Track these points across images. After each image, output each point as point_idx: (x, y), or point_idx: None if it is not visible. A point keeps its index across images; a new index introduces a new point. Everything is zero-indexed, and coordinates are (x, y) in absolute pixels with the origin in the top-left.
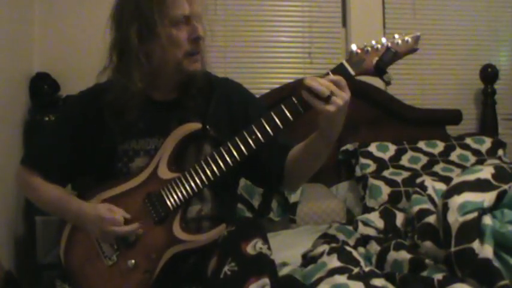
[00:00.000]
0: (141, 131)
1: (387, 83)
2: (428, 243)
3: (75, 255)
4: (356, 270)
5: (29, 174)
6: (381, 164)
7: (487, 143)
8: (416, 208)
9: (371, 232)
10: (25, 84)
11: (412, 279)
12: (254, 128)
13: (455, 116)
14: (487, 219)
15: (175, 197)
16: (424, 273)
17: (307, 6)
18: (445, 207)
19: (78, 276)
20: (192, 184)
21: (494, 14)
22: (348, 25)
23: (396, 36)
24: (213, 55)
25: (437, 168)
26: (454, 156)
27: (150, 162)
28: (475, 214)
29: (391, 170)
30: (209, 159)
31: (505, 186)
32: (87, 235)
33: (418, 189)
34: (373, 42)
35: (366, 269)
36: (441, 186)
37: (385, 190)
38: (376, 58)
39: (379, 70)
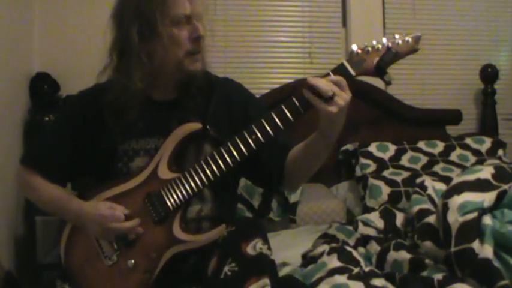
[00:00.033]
0: (141, 131)
1: (388, 83)
2: (428, 243)
3: (75, 255)
4: (356, 270)
5: (29, 174)
6: (381, 164)
7: (487, 143)
8: (416, 208)
9: (371, 232)
10: (25, 84)
11: (412, 279)
12: (254, 128)
13: (455, 116)
14: (487, 219)
15: (175, 197)
16: (424, 273)
17: (307, 6)
18: (445, 207)
19: (78, 276)
20: (192, 184)
21: (494, 14)
22: (348, 25)
23: (397, 36)
24: (213, 55)
25: (437, 168)
26: (454, 156)
27: (150, 162)
28: (475, 214)
29: (391, 170)
30: (209, 159)
31: (505, 186)
32: (87, 235)
33: (418, 189)
34: (374, 42)
35: (366, 269)
36: (441, 186)
37: (385, 190)
38: (377, 58)
39: (380, 70)
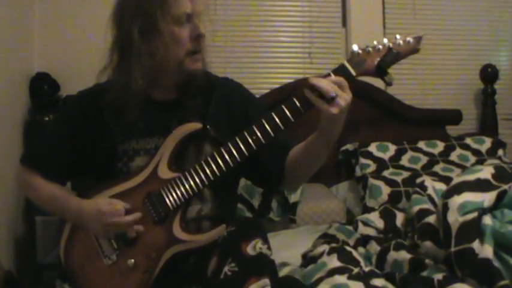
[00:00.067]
0: (141, 130)
1: (389, 84)
2: (428, 243)
3: (75, 254)
4: (356, 270)
5: (28, 174)
6: (381, 164)
7: (487, 143)
8: (416, 208)
9: (371, 232)
10: (25, 84)
11: (412, 279)
12: (255, 128)
13: (455, 116)
14: (487, 219)
15: (175, 196)
16: (424, 273)
17: (307, 6)
18: (445, 207)
19: (78, 276)
20: (192, 184)
21: (494, 14)
22: (348, 25)
23: (398, 36)
24: (213, 55)
25: (437, 168)
26: (454, 156)
27: (150, 161)
28: (475, 214)
29: (391, 170)
30: (209, 159)
31: (505, 186)
32: (87, 234)
33: (418, 189)
34: (375, 42)
35: (366, 269)
36: (441, 186)
37: (385, 190)
38: (378, 59)
39: (381, 71)
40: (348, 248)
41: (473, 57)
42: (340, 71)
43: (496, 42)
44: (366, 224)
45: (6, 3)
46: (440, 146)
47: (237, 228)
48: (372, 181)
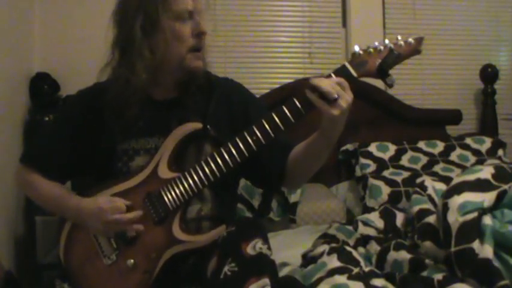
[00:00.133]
0: (141, 130)
1: (390, 86)
2: (428, 243)
3: (75, 254)
4: (356, 270)
5: (28, 173)
6: (381, 164)
7: (487, 143)
8: (416, 208)
9: (371, 232)
10: (25, 84)
11: (412, 279)
12: (255, 128)
13: (455, 116)
14: (487, 219)
15: (175, 197)
16: (424, 273)
17: (307, 6)
18: (445, 207)
19: (78, 276)
20: (192, 184)
21: (494, 14)
22: (348, 25)
23: (399, 37)
24: (213, 55)
25: (437, 168)
26: (454, 156)
27: (150, 161)
28: (475, 214)
29: (391, 170)
30: (209, 159)
31: (505, 186)
32: (87, 234)
33: (418, 189)
34: (376, 43)
35: (366, 269)
36: (441, 186)
37: (385, 190)
38: (379, 60)
39: (382, 72)
40: (348, 248)
41: (473, 57)
42: (341, 71)
43: (496, 42)
44: (366, 224)
45: (6, 3)
46: (440, 146)
47: (237, 228)
48: (372, 181)
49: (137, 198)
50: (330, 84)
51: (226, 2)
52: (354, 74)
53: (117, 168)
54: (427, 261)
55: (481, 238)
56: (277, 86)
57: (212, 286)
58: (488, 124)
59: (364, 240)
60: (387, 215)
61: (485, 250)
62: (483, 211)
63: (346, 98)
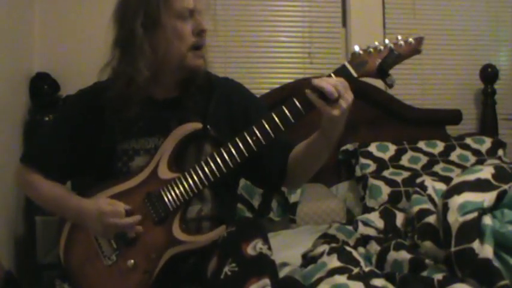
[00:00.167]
0: (141, 130)
1: (390, 86)
2: (428, 243)
3: (75, 254)
4: (356, 270)
5: (28, 173)
6: (381, 164)
7: (487, 143)
8: (416, 208)
9: (371, 232)
10: (25, 84)
11: (412, 279)
12: (255, 129)
13: (455, 116)
14: (487, 219)
15: (175, 197)
16: (424, 273)
17: (307, 6)
18: (445, 207)
19: (78, 276)
20: (192, 184)
21: (494, 14)
22: (348, 25)
23: (399, 37)
24: (213, 55)
25: (437, 168)
26: (454, 156)
27: (150, 161)
28: (475, 214)
29: (391, 170)
30: (209, 159)
31: (505, 186)
32: (87, 234)
33: (418, 189)
34: (376, 43)
35: (366, 269)
36: (441, 186)
37: (385, 190)
38: (379, 60)
39: (382, 72)
40: (348, 248)
41: (473, 57)
42: (341, 71)
43: (496, 42)
44: (366, 224)
45: (6, 3)
46: (440, 146)
47: (238, 228)
48: (372, 181)
49: (137, 199)
50: (330, 85)
51: (226, 2)
52: (354, 74)
53: (117, 168)
54: (427, 261)
55: (481, 238)
56: (277, 86)
57: (212, 286)
58: (488, 124)
59: (364, 240)
60: (387, 215)
61: (485, 250)
62: (483, 211)
63: (346, 98)
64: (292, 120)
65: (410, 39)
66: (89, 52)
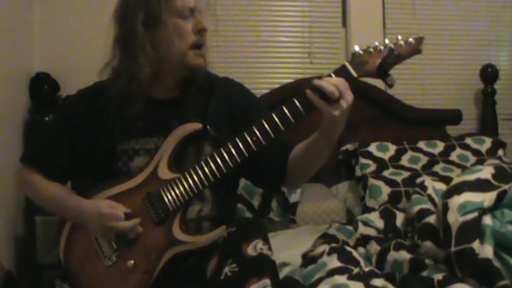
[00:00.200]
0: (141, 130)
1: (390, 86)
2: (428, 243)
3: (75, 254)
4: (356, 270)
5: (28, 173)
6: (381, 164)
7: (487, 143)
8: (416, 208)
9: (371, 232)
10: (25, 84)
11: (412, 279)
12: (255, 129)
13: (455, 116)
14: (487, 219)
15: (175, 197)
16: (424, 273)
17: (307, 6)
18: (445, 207)
19: (78, 276)
20: (192, 185)
21: (494, 14)
22: (348, 25)
23: (399, 37)
24: (213, 55)
25: (437, 168)
26: (454, 156)
27: (150, 161)
28: (475, 214)
29: (391, 170)
30: (209, 159)
31: (505, 186)
32: (87, 234)
33: (418, 189)
34: (376, 43)
35: (366, 269)
36: (441, 186)
37: (385, 190)
38: (379, 60)
39: (382, 72)
40: (348, 248)
41: (473, 57)
42: (341, 71)
43: (496, 42)
44: (366, 224)
45: (6, 3)
46: (440, 146)
47: (238, 228)
48: (372, 181)
49: (137, 199)
50: (331, 85)
51: (227, 2)
52: (354, 74)
53: (117, 168)
54: (427, 261)
55: (481, 238)
56: (277, 86)
57: (212, 287)
58: (488, 124)
59: (364, 240)
60: (387, 215)
61: (485, 250)
62: (483, 211)
63: (346, 98)
64: (292, 121)
65: (411, 39)
66: (89, 52)
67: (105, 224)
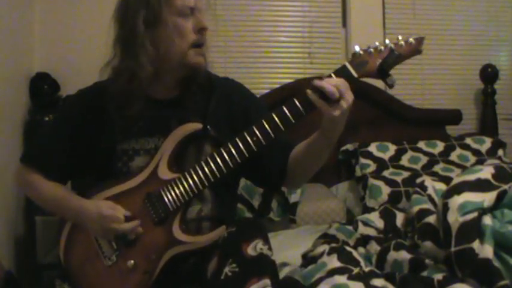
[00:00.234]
0: (141, 130)
1: (390, 86)
2: (428, 243)
3: (75, 254)
4: (356, 270)
5: (28, 173)
6: (381, 164)
7: (487, 143)
8: (416, 208)
9: (371, 232)
10: (25, 84)
11: (412, 279)
12: (255, 129)
13: (455, 116)
14: (487, 219)
15: (175, 197)
16: (424, 273)
17: (307, 6)
18: (445, 207)
19: (78, 276)
20: (192, 185)
21: (494, 14)
22: (348, 25)
23: (399, 37)
24: (213, 55)
25: (437, 168)
26: (454, 156)
27: (150, 161)
28: (475, 214)
29: (391, 170)
30: (209, 159)
31: (505, 186)
32: (87, 234)
33: (418, 189)
34: (376, 43)
35: (366, 269)
36: (441, 186)
37: (385, 190)
38: (379, 60)
39: (382, 72)
40: (348, 248)
41: (473, 57)
42: (342, 72)
43: (496, 42)
44: (366, 224)
45: (6, 3)
46: (440, 146)
47: (238, 228)
48: (372, 181)
49: (137, 199)
50: (331, 85)
51: (227, 2)
52: (355, 74)
53: (117, 168)
54: (427, 261)
55: (481, 238)
56: (277, 86)
57: (212, 287)
58: (488, 124)
59: (364, 240)
60: (387, 215)
61: (485, 250)
62: (483, 211)
63: (346, 98)
64: (293, 121)
65: (411, 40)
66: (89, 52)
67: (105, 225)
